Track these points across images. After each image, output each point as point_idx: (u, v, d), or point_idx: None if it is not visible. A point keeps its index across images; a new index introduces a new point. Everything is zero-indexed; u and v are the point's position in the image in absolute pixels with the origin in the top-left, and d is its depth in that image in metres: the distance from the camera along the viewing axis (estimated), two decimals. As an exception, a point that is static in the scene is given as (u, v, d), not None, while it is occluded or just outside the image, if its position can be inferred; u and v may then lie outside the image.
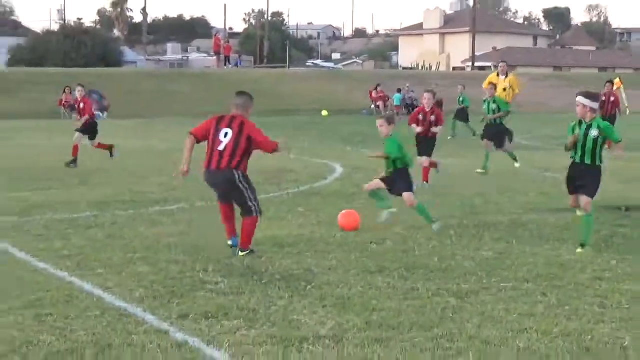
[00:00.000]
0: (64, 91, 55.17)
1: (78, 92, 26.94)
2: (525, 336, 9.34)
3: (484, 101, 25.67)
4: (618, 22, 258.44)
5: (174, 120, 52.59)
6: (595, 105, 14.03)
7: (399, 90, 64.00)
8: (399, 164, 15.56)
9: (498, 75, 31.90)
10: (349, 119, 52.98)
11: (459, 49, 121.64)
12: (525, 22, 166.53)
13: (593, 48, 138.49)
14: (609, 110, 34.04)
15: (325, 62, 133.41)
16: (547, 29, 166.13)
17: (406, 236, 14.97)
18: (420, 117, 21.44)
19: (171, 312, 10.13)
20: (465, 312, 10.27)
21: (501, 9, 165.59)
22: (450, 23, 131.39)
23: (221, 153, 13.37)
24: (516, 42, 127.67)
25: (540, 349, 8.93)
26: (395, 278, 11.95)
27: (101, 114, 54.78)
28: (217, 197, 14.01)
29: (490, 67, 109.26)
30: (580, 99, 13.93)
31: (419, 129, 21.19)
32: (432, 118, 21.47)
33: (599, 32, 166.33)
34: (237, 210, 13.71)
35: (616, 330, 9.61)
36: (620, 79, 41.04)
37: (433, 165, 21.81)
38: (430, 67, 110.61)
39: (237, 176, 13.37)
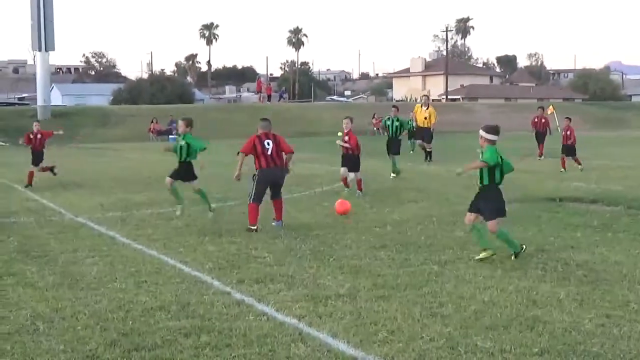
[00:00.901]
0: (152, 121, 55.32)
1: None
2: (489, 292, 9.30)
3: (388, 118, 25.78)
4: (551, 64, 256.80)
5: (233, 141, 52.62)
6: (490, 136, 11.28)
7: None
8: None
9: (421, 106, 31.48)
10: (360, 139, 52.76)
11: (436, 86, 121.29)
12: (484, 66, 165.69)
13: (533, 84, 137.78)
14: (541, 128, 33.85)
15: (340, 97, 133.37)
16: (500, 71, 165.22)
17: (401, 222, 14.92)
18: (346, 138, 19.91)
19: (232, 279, 10.12)
20: (445, 276, 10.24)
21: (466, 57, 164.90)
22: (429, 67, 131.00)
23: (271, 156, 14.36)
24: (477, 81, 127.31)
25: (499, 301, 8.89)
26: (394, 252, 11.92)
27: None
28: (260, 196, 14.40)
29: (459, 98, 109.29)
30: (480, 131, 11.47)
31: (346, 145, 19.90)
32: (346, 138, 19.86)
33: (537, 73, 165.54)
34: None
35: (554, 287, 9.56)
36: (553, 106, 40.83)
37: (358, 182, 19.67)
38: (416, 100, 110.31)
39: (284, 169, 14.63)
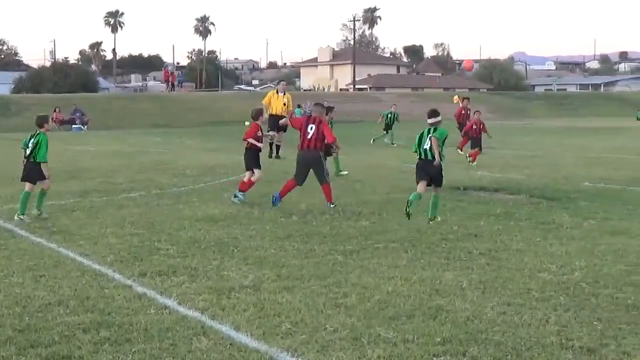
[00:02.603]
0: (54, 110, 54.11)
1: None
2: (393, 282, 9.35)
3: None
4: (457, 54, 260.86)
5: (137, 130, 51.90)
6: (431, 119, 13.96)
7: (299, 106, 63.89)
8: None
9: (277, 92, 27.19)
10: (263, 127, 52.48)
11: (344, 75, 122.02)
12: (391, 56, 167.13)
13: (439, 74, 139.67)
14: (465, 121, 32.70)
15: (247, 86, 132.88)
16: (407, 61, 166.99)
17: (306, 212, 14.90)
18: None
19: (134, 272, 9.94)
20: (349, 266, 10.25)
21: (374, 47, 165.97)
22: (337, 57, 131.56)
23: (309, 140, 15.44)
24: (385, 70, 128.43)
25: (403, 291, 8.94)
26: (299, 242, 11.89)
27: (83, 127, 53.93)
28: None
29: (367, 88, 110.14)
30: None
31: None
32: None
33: (443, 62, 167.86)
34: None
35: (457, 276, 9.66)
36: (458, 95, 41.37)
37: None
38: (324, 89, 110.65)
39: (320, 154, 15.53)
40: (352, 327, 7.57)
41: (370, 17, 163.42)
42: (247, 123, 19.85)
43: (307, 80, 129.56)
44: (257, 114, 16.67)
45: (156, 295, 8.77)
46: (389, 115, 37.14)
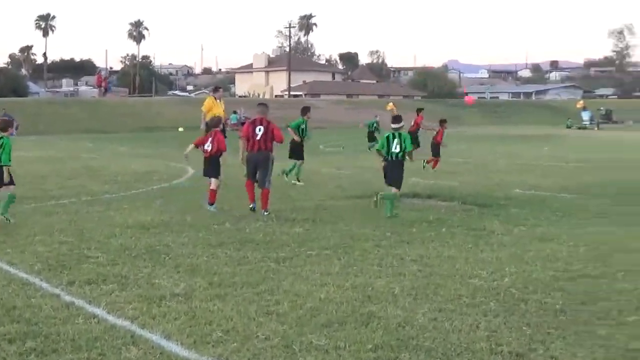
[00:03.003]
0: (-17, 115, 53.13)
1: None
2: (325, 289, 9.35)
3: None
4: (392, 62, 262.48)
5: (69, 136, 51.21)
6: (395, 124, 15.77)
7: (235, 112, 63.81)
8: None
9: (216, 99, 25.08)
10: (198, 134, 52.25)
11: (279, 82, 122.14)
12: (327, 63, 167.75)
13: (374, 81, 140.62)
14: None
15: (182, 92, 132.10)
16: (342, 68, 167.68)
17: (240, 218, 14.85)
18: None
19: (62, 280, 9.76)
20: (282, 273, 10.22)
21: (309, 53, 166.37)
22: (272, 63, 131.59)
23: (259, 141, 15.75)
24: (320, 77, 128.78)
25: (336, 298, 8.94)
26: (231, 250, 11.82)
27: (13, 132, 53.02)
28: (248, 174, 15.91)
29: (302, 95, 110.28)
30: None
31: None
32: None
33: (378, 70, 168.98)
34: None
35: (389, 282, 9.70)
36: (393, 103, 41.78)
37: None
38: (259, 95, 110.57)
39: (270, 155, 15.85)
40: (283, 334, 7.55)
41: (306, 23, 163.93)
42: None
43: (242, 86, 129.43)
44: (217, 122, 16.52)
45: (85, 304, 8.63)
46: (373, 125, 38.25)
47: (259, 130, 15.78)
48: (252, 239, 12.72)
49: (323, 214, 15.48)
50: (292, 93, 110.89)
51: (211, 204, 15.91)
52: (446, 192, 19.16)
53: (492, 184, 21.43)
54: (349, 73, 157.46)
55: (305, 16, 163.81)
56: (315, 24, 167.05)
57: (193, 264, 10.75)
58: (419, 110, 33.82)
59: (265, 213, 15.33)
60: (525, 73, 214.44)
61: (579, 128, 72.53)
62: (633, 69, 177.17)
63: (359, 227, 13.71)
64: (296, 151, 21.99)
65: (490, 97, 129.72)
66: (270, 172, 15.90)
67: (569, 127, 73.56)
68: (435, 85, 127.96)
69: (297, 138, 21.74)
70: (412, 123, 31.90)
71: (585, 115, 76.64)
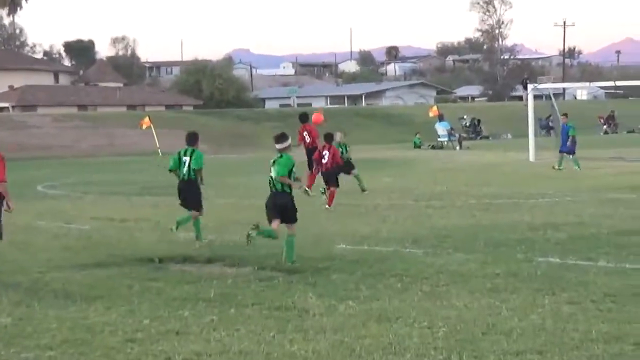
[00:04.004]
0: None
1: None
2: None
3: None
4: (147, 54, 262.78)
5: None
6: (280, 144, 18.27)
7: None
8: None
9: None
10: None
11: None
12: (45, 57, 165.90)
13: (120, 84, 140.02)
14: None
15: None
16: (70, 64, 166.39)
17: None
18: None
19: None
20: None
21: (18, 43, 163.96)
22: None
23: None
24: (37, 79, 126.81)
25: None
26: None
27: None
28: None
29: (8, 107, 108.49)
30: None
31: None
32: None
33: (127, 66, 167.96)
34: None
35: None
36: (149, 117, 41.71)
37: None
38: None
39: None
40: None
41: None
42: None
43: None
44: None
45: None
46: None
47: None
48: None
49: (43, 293, 15.20)
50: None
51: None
52: (233, 251, 19.21)
53: (304, 236, 21.60)
54: (81, 72, 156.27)
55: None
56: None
57: None
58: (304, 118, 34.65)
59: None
60: (350, 66, 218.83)
61: (433, 147, 73.28)
62: (509, 56, 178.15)
63: (100, 313, 13.51)
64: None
65: (298, 105, 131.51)
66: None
67: (417, 145, 74.66)
68: (214, 87, 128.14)
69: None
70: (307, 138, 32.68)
71: (442, 128, 76.80)
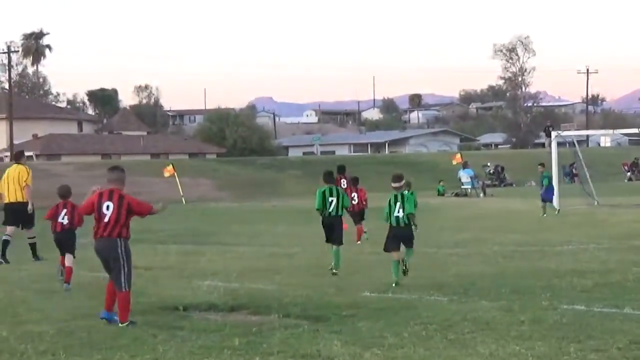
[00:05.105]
0: None
1: None
2: None
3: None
4: (171, 103, 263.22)
5: None
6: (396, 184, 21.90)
7: None
8: None
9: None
10: None
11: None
12: (69, 106, 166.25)
13: (144, 132, 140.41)
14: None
15: None
16: (93, 113, 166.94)
17: None
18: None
19: None
20: None
21: (42, 92, 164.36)
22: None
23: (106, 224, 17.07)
24: (60, 128, 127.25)
25: None
26: None
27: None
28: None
29: (32, 155, 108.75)
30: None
31: None
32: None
33: (150, 115, 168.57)
34: None
35: None
36: (173, 165, 41.77)
37: None
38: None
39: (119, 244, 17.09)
40: None
41: (35, 46, 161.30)
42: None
43: None
44: None
45: None
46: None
47: (107, 208, 17.34)
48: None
49: (69, 342, 15.24)
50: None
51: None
52: (258, 299, 19.19)
53: (327, 284, 21.61)
54: (105, 121, 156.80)
55: (32, 34, 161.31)
56: (49, 47, 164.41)
57: None
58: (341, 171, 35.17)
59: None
60: (373, 114, 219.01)
61: (457, 195, 73.47)
62: (532, 103, 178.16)
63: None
64: None
65: (322, 153, 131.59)
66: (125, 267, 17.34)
67: (441, 193, 74.75)
68: (237, 135, 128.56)
69: None
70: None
71: (466, 175, 76.86)
